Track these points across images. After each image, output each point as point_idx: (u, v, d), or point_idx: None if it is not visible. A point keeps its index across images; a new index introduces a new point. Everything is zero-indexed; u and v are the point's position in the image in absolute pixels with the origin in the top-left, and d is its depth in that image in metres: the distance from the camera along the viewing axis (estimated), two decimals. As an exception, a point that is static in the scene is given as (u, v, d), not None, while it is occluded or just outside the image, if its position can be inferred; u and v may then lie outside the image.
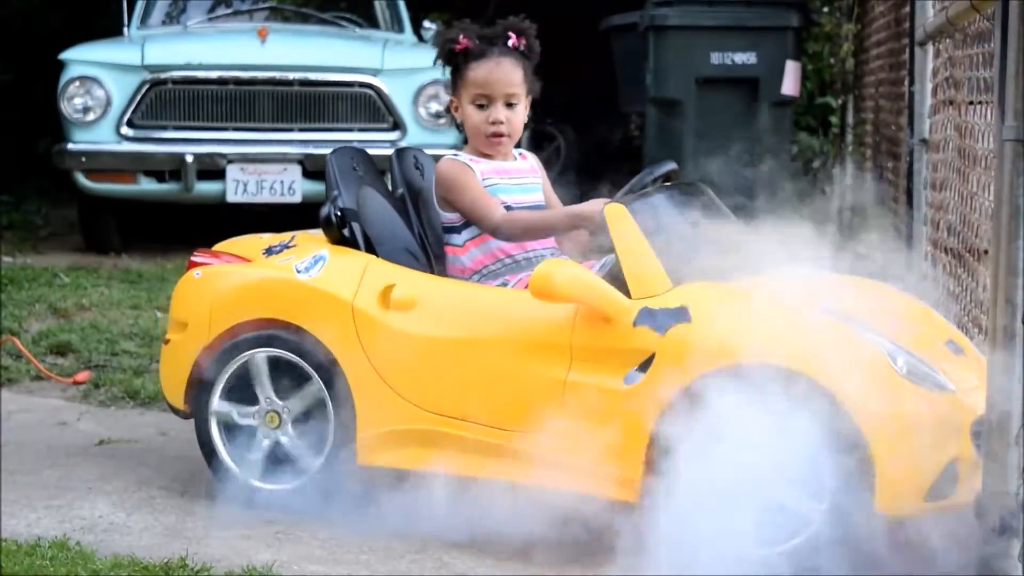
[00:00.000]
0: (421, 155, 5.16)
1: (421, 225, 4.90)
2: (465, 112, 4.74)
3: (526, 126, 4.83)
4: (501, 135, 4.71)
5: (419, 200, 4.94)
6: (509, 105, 4.71)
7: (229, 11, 10.97)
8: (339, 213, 4.71)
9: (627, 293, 4.37)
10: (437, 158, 4.90)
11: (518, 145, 4.91)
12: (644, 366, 4.27)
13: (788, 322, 4.31)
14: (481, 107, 4.71)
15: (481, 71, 4.70)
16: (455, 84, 4.79)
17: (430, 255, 4.81)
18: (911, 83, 6.64)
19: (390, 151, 5.26)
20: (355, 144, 6.84)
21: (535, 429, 4.33)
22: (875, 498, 4.05)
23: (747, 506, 4.15)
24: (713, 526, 4.11)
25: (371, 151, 5.31)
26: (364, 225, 4.73)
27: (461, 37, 4.72)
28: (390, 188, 5.02)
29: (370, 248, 4.71)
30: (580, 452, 4.29)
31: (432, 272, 4.72)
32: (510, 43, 4.72)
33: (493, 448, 4.40)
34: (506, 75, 4.70)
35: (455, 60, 4.76)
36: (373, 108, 9.64)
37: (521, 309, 4.43)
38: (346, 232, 4.73)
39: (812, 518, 4.10)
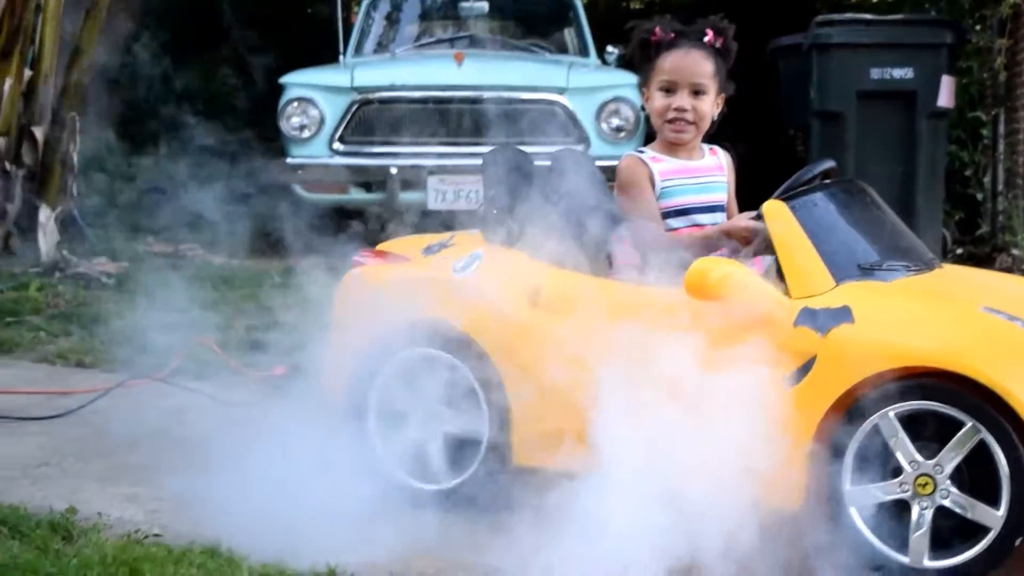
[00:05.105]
0: (580, 155, 4.38)
1: (579, 223, 4.10)
2: (652, 99, 3.98)
3: (712, 123, 4.01)
4: (683, 122, 3.93)
5: (576, 199, 4.15)
6: (696, 94, 3.92)
7: (433, 39, 10.44)
8: (495, 212, 3.96)
9: (787, 292, 3.54)
10: (612, 168, 4.09)
11: (712, 141, 4.12)
12: (805, 368, 3.43)
13: (955, 322, 3.45)
14: (667, 92, 3.94)
15: (670, 59, 3.94)
16: (647, 75, 4.01)
17: (587, 253, 4.00)
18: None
19: None
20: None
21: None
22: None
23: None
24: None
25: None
26: (520, 223, 3.95)
27: (657, 29, 3.97)
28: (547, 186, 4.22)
29: (527, 246, 3.92)
30: (738, 456, 3.46)
31: (589, 271, 3.92)
32: (705, 39, 3.95)
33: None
34: (694, 64, 3.93)
35: (648, 51, 4.00)
36: (559, 123, 9.00)
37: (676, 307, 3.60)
38: (503, 230, 3.95)
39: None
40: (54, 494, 4.07)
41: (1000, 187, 9.37)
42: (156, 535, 3.70)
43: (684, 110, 3.92)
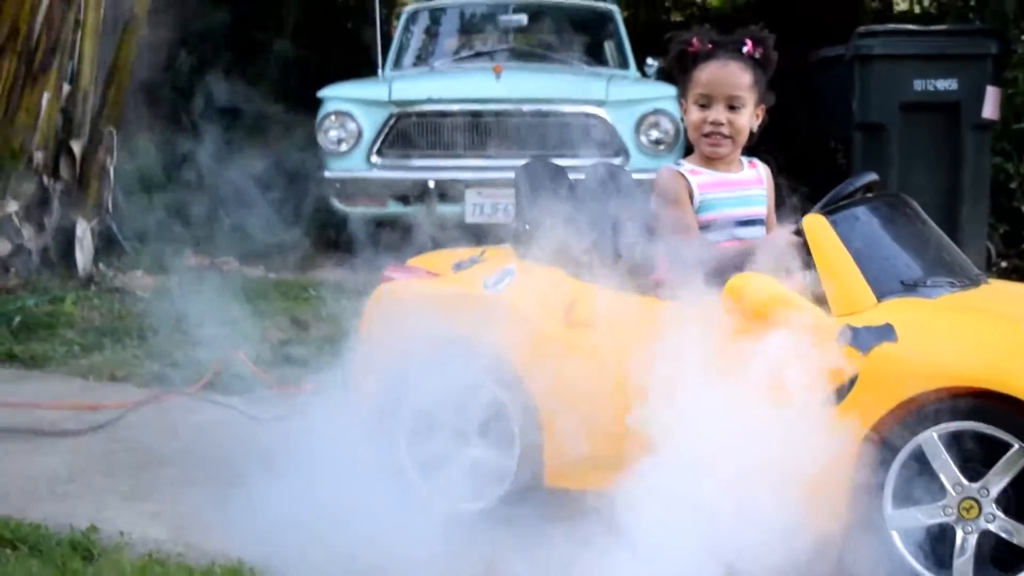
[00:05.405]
0: (616, 169, 4.26)
1: (614, 238, 3.98)
2: (689, 111, 3.85)
3: (752, 135, 3.88)
4: (719, 135, 3.79)
5: (611, 213, 4.04)
6: (732, 108, 3.78)
7: (471, 52, 10.34)
8: (527, 227, 3.85)
9: (828, 309, 3.41)
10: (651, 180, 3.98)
11: (752, 153, 3.98)
12: (846, 388, 3.30)
13: (1002, 340, 3.31)
14: (703, 107, 3.80)
15: (706, 71, 3.80)
16: (685, 87, 3.87)
17: (622, 269, 3.88)
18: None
19: None
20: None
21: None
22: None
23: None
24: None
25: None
26: (553, 238, 3.84)
27: (694, 40, 3.84)
28: (581, 200, 4.11)
29: (558, 261, 3.81)
30: (778, 477, 3.33)
31: (624, 287, 3.79)
32: (744, 49, 3.80)
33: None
34: (731, 76, 3.77)
35: (685, 62, 3.86)
36: (598, 136, 8.85)
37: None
38: (534, 245, 3.84)
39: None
40: (78, 512, 4.00)
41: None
42: (179, 554, 3.61)
43: (720, 124, 3.79)
